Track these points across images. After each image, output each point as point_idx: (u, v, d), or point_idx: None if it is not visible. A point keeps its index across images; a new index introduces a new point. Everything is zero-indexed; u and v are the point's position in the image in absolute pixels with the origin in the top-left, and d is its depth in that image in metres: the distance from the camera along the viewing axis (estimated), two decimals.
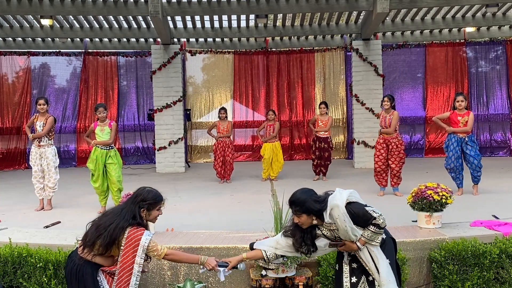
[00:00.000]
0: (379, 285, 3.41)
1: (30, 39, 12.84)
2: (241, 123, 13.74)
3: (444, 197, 4.96)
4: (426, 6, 10.41)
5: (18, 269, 4.58)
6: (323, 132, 9.63)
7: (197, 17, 11.59)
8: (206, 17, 11.72)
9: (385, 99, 7.87)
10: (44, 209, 7.27)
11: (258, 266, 4.51)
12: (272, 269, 4.22)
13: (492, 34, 13.16)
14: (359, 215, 3.40)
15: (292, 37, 13.27)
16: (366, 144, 11.68)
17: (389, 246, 3.55)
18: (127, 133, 13.64)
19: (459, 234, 4.82)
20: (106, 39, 12.99)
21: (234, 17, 11.74)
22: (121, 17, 11.45)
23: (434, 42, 13.59)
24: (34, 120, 7.31)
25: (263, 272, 4.31)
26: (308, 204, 3.40)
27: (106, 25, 11.96)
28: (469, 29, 12.94)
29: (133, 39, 13.01)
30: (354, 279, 3.51)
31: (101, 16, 11.31)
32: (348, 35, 13.05)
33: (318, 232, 3.57)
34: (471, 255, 4.47)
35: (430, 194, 4.96)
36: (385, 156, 7.80)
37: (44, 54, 13.33)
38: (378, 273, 3.42)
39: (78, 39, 12.92)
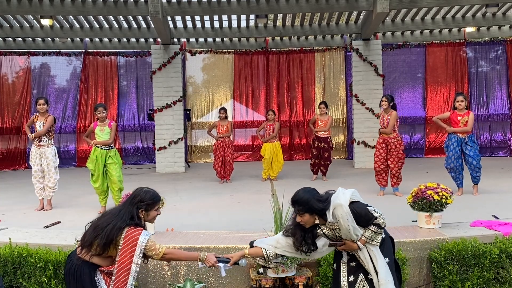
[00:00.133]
0: (378, 285, 3.41)
1: (30, 39, 12.84)
2: (241, 123, 13.74)
3: (444, 197, 4.96)
4: (426, 6, 10.41)
5: (18, 269, 4.58)
6: (323, 132, 9.63)
7: (197, 17, 11.59)
8: (206, 17, 11.72)
9: (383, 99, 7.87)
10: (44, 209, 7.27)
11: (258, 266, 4.51)
12: (271, 268, 4.21)
13: (492, 34, 13.16)
14: (361, 215, 3.41)
15: (292, 37, 13.27)
16: (366, 144, 11.68)
17: (387, 245, 3.56)
18: (127, 133, 13.64)
19: (459, 234, 4.82)
20: (106, 39, 12.99)
21: (234, 17, 11.74)
22: (121, 17, 11.45)
23: (434, 42, 13.59)
24: (34, 120, 7.31)
25: (260, 270, 4.31)
26: (311, 203, 3.40)
27: (106, 25, 11.96)
28: (469, 29, 12.94)
29: (133, 39, 13.01)
30: (351, 278, 3.52)
31: (101, 16, 11.31)
32: (348, 35, 13.05)
33: (319, 231, 3.57)
34: (471, 255, 4.47)
35: (430, 194, 4.96)
36: (384, 156, 7.81)
37: (44, 54, 13.33)
38: (377, 273, 3.42)
39: (78, 39, 12.92)
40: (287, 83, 13.71)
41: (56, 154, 7.40)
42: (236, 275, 4.66)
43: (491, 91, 13.49)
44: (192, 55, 13.44)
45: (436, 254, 4.59)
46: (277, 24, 12.66)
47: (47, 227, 5.98)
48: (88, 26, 11.90)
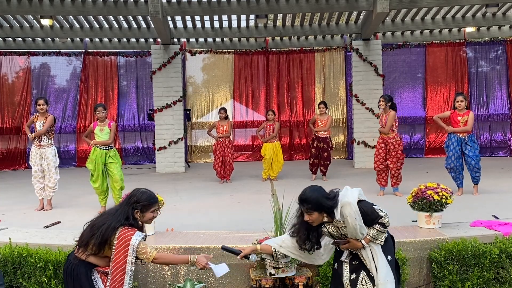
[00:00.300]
0: (377, 285, 3.42)
1: (30, 39, 12.84)
2: (241, 123, 13.74)
3: (444, 197, 4.96)
4: (426, 6, 10.41)
5: (18, 269, 4.58)
6: (322, 132, 9.63)
7: (197, 17, 11.59)
8: (206, 17, 11.72)
9: (381, 99, 7.87)
10: (44, 209, 7.27)
11: (258, 266, 4.51)
12: (281, 268, 4.18)
13: (492, 34, 13.16)
14: (368, 214, 3.42)
15: (292, 37, 13.27)
16: (366, 144, 11.68)
17: (389, 243, 3.57)
18: (127, 133, 13.64)
19: (459, 234, 4.82)
20: (106, 39, 12.99)
21: (234, 17, 11.75)
22: (121, 17, 11.45)
23: (434, 42, 13.60)
24: (34, 120, 7.31)
25: (272, 271, 4.24)
26: (320, 202, 3.39)
27: (106, 25, 11.96)
28: (469, 29, 12.94)
29: (133, 39, 13.01)
30: (353, 276, 3.51)
31: (101, 16, 11.31)
32: (348, 35, 13.05)
33: (323, 229, 3.56)
34: (471, 255, 4.47)
35: (430, 194, 4.96)
36: (384, 156, 7.81)
37: (44, 54, 13.33)
38: (377, 272, 3.42)
39: (78, 39, 12.92)
40: (287, 83, 13.71)
41: (56, 154, 7.40)
42: (236, 275, 4.66)
43: (491, 91, 13.49)
44: (192, 55, 13.44)
45: (436, 254, 4.59)
46: (277, 24, 12.66)
47: (47, 227, 5.98)
48: (88, 26, 11.90)
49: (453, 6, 11.17)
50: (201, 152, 13.82)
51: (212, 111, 13.58)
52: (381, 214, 3.45)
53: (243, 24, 12.16)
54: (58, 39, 12.69)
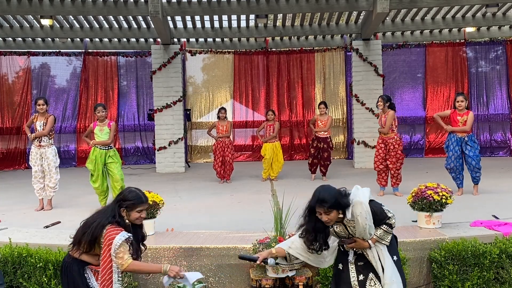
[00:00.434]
0: (383, 285, 3.42)
1: (30, 39, 12.84)
2: (241, 123, 13.73)
3: (444, 197, 4.96)
4: (426, 6, 10.41)
5: (18, 269, 4.59)
6: (322, 132, 9.63)
7: (197, 17, 11.59)
8: (206, 17, 11.72)
9: (379, 99, 7.87)
10: (44, 209, 7.27)
11: (258, 266, 4.51)
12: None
13: (492, 34, 13.16)
14: (377, 214, 3.42)
15: (292, 37, 13.27)
16: (366, 144, 11.67)
17: (393, 243, 3.58)
18: (127, 133, 13.64)
19: (459, 234, 4.82)
20: (106, 39, 12.99)
21: (234, 17, 11.75)
22: (121, 17, 11.45)
23: (434, 42, 13.59)
24: (34, 120, 7.31)
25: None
26: (338, 200, 3.36)
27: (106, 25, 11.96)
28: (469, 29, 12.94)
29: (133, 39, 13.01)
30: (361, 277, 3.50)
31: (101, 16, 11.31)
32: (348, 35, 13.05)
33: (331, 229, 3.54)
34: (471, 255, 4.47)
35: (430, 194, 4.96)
36: (383, 156, 7.80)
37: (44, 54, 13.33)
38: (383, 272, 3.42)
39: (78, 39, 12.92)
40: (287, 83, 13.71)
41: (57, 154, 7.40)
42: (236, 275, 4.66)
43: (491, 91, 13.49)
44: (192, 55, 13.44)
45: (436, 254, 4.59)
46: (277, 24, 12.66)
47: (47, 227, 5.98)
48: (88, 26, 11.90)
49: (453, 6, 11.17)
50: (201, 152, 13.82)
51: (212, 111, 13.58)
52: (389, 215, 3.46)
53: (243, 24, 12.16)
54: (58, 39, 12.69)
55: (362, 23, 11.88)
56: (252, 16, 11.74)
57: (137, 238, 3.71)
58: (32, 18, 11.54)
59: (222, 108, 10.13)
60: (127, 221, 3.55)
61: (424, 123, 13.43)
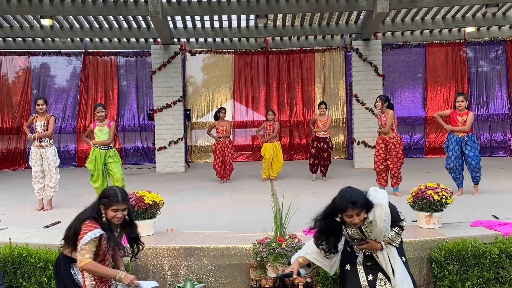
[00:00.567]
0: (393, 286, 3.41)
1: (30, 39, 12.84)
2: (241, 123, 13.74)
3: (444, 197, 4.96)
4: (426, 6, 10.42)
5: (18, 269, 4.58)
6: (322, 132, 9.63)
7: (197, 17, 11.59)
8: (206, 17, 11.72)
9: (377, 99, 7.86)
10: (44, 209, 7.27)
11: (258, 266, 4.51)
12: (281, 267, 4.20)
13: (492, 34, 13.16)
14: (393, 216, 3.44)
15: (292, 37, 13.27)
16: (366, 144, 11.67)
17: (401, 244, 3.59)
18: (127, 133, 13.64)
19: (459, 234, 4.82)
20: (106, 39, 12.99)
21: (234, 17, 11.74)
22: (121, 17, 11.45)
23: (434, 42, 13.60)
24: (33, 121, 7.30)
25: (273, 275, 4.18)
26: (367, 201, 3.35)
27: (106, 25, 11.96)
28: (469, 29, 12.94)
29: (133, 39, 13.01)
30: (370, 277, 3.49)
31: (101, 16, 11.31)
32: (348, 35, 13.05)
33: (344, 232, 3.52)
34: (471, 255, 4.47)
35: (430, 194, 4.96)
36: (384, 157, 7.80)
37: (44, 54, 13.33)
38: (393, 274, 3.42)
39: (78, 39, 12.92)
40: (287, 83, 13.71)
41: (57, 154, 7.41)
42: (236, 275, 4.66)
43: (491, 91, 13.49)
44: (192, 55, 13.44)
45: (436, 254, 4.59)
46: (277, 24, 12.66)
47: (47, 227, 5.98)
48: (88, 26, 11.91)
49: (453, 6, 11.17)
50: (201, 152, 13.82)
51: (212, 111, 13.55)
52: (402, 217, 3.50)
53: (243, 24, 12.16)
54: (58, 39, 12.69)
55: (362, 23, 11.88)
56: (252, 16, 11.74)
57: (130, 238, 3.71)
58: (32, 18, 11.54)
59: (222, 108, 10.13)
60: (104, 219, 3.54)
61: (424, 123, 13.43)
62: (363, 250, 3.51)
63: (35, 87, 13.40)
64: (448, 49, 13.42)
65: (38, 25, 11.76)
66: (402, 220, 3.49)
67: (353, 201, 3.29)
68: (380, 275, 3.48)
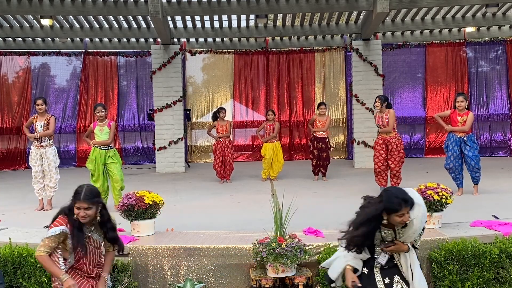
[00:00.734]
0: None
1: (30, 39, 12.84)
2: (241, 123, 13.74)
3: (444, 197, 4.96)
4: (426, 6, 10.41)
5: (18, 269, 4.58)
6: (321, 132, 9.62)
7: (197, 17, 11.59)
8: (206, 17, 11.72)
9: (376, 99, 7.85)
10: (44, 209, 7.27)
11: (258, 266, 4.51)
12: (280, 268, 4.21)
13: (492, 34, 13.17)
14: None
15: (292, 37, 13.27)
16: (366, 144, 11.67)
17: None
18: (127, 133, 13.64)
19: (459, 234, 4.82)
20: (106, 39, 12.99)
21: (234, 17, 11.75)
22: (121, 17, 11.45)
23: (434, 42, 13.60)
24: (33, 121, 7.30)
25: (272, 275, 4.17)
26: (412, 199, 3.38)
27: (106, 25, 11.96)
28: (469, 29, 12.94)
29: (133, 39, 13.01)
30: (387, 280, 3.50)
31: (101, 16, 11.31)
32: (348, 35, 13.05)
33: (377, 234, 3.50)
34: (471, 255, 4.47)
35: (430, 194, 4.96)
36: (385, 157, 7.79)
37: (44, 54, 13.34)
38: (412, 277, 3.43)
39: (78, 39, 12.92)
40: (287, 83, 13.71)
41: (57, 154, 7.41)
42: (236, 275, 4.65)
43: (491, 91, 13.49)
44: (192, 55, 13.44)
45: (436, 254, 4.59)
46: (277, 24, 12.66)
47: (47, 227, 5.95)
48: (88, 26, 11.91)
49: (453, 6, 11.17)
50: (201, 152, 13.82)
51: (212, 111, 13.56)
52: (426, 219, 3.54)
53: (243, 24, 12.16)
54: (58, 39, 12.69)
55: (362, 23, 11.88)
56: (252, 16, 11.74)
57: (107, 238, 3.75)
58: (32, 18, 11.54)
59: (222, 108, 10.13)
60: (75, 215, 3.61)
61: (424, 123, 13.43)
62: (386, 253, 3.49)
63: (35, 87, 13.41)
64: (448, 49, 13.42)
65: (38, 25, 11.76)
66: (425, 221, 3.52)
67: (405, 199, 3.32)
68: (396, 277, 3.48)
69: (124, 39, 12.94)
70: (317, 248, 4.62)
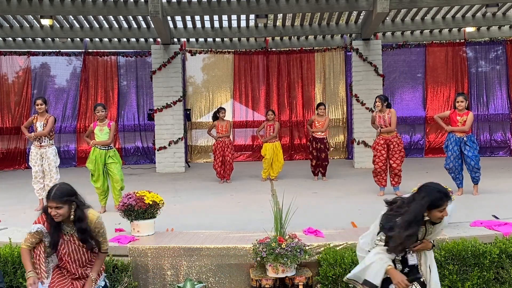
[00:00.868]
0: None
1: (30, 39, 12.84)
2: (241, 123, 13.74)
3: None
4: (426, 6, 10.41)
5: (18, 269, 4.58)
6: (320, 133, 9.62)
7: (197, 17, 11.59)
8: (206, 17, 11.72)
9: (377, 99, 7.84)
10: None
11: (258, 266, 4.51)
12: (281, 268, 4.22)
13: (492, 34, 13.17)
14: None
15: (292, 37, 13.27)
16: (366, 144, 11.67)
17: None
18: (127, 133, 13.65)
19: (459, 234, 4.82)
20: (106, 39, 13.00)
21: (234, 17, 11.75)
22: (121, 17, 11.45)
23: (434, 42, 13.60)
24: (33, 121, 7.30)
25: (272, 275, 4.20)
26: None
27: (106, 25, 11.97)
28: (469, 29, 12.94)
29: (133, 39, 13.02)
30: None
31: (101, 16, 11.31)
32: (348, 35, 13.05)
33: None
34: (471, 255, 4.47)
35: None
36: (386, 157, 7.78)
37: (44, 54, 13.34)
38: (430, 276, 3.44)
39: (78, 39, 12.92)
40: (287, 83, 13.71)
41: (57, 153, 7.41)
42: (236, 275, 4.66)
43: (491, 91, 13.50)
44: (192, 55, 13.44)
45: (436, 254, 4.58)
46: (277, 24, 12.66)
47: None
48: (88, 26, 11.91)
49: (453, 6, 11.17)
50: (201, 152, 13.82)
51: (212, 111, 13.56)
52: None
53: (243, 24, 12.16)
54: (58, 39, 12.69)
55: (362, 23, 11.88)
56: (252, 16, 11.74)
57: (80, 237, 3.72)
58: (32, 18, 11.54)
59: (222, 108, 10.13)
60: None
61: (424, 123, 13.43)
62: (412, 252, 3.44)
63: (35, 87, 13.41)
64: (448, 49, 13.42)
65: (38, 25, 11.76)
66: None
67: (446, 194, 3.34)
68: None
69: (124, 39, 12.95)
70: (317, 248, 4.62)
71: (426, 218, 3.34)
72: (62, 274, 3.76)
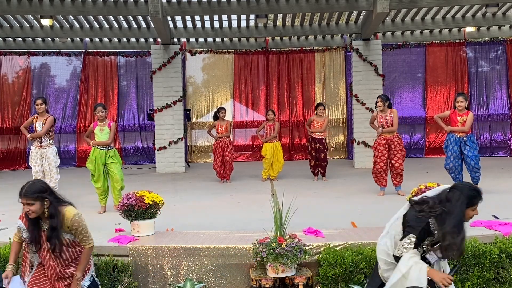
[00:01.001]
0: None
1: (30, 39, 12.84)
2: (241, 123, 13.74)
3: None
4: (426, 6, 10.42)
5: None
6: (318, 133, 9.62)
7: (197, 17, 11.60)
8: (206, 17, 11.72)
9: (378, 99, 7.83)
10: None
11: (258, 266, 4.51)
12: (281, 268, 4.23)
13: (492, 34, 13.17)
14: None
15: (292, 37, 13.27)
16: (366, 144, 11.67)
17: None
18: (127, 133, 13.65)
19: None
20: (106, 39, 13.00)
21: (234, 17, 11.75)
22: (121, 17, 11.46)
23: (434, 42, 13.60)
24: (33, 121, 7.29)
25: (272, 275, 4.21)
26: None
27: (106, 25, 11.97)
28: (469, 29, 12.95)
29: (133, 39, 13.02)
30: None
31: (101, 16, 11.31)
32: (348, 35, 13.06)
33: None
34: (471, 255, 4.47)
35: None
36: (387, 157, 7.78)
37: (44, 54, 13.34)
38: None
39: (78, 39, 12.93)
40: (287, 83, 13.72)
41: (57, 153, 7.40)
42: (236, 275, 4.66)
43: (491, 91, 13.50)
44: (192, 55, 13.45)
45: None
46: (277, 24, 12.66)
47: None
48: (88, 26, 11.91)
49: (453, 6, 11.18)
50: (201, 152, 13.83)
51: (212, 111, 13.56)
52: None
53: (243, 24, 12.16)
54: (58, 39, 12.70)
55: (362, 23, 11.88)
56: (252, 16, 11.74)
57: (49, 235, 3.69)
58: (32, 18, 11.54)
59: (222, 108, 10.13)
60: None
61: (424, 123, 13.43)
62: (430, 251, 3.43)
63: (35, 87, 13.42)
64: (448, 49, 13.42)
65: (38, 25, 11.76)
66: None
67: (480, 192, 3.31)
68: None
69: (124, 39, 12.95)
70: (317, 248, 4.62)
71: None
72: (42, 272, 3.75)
